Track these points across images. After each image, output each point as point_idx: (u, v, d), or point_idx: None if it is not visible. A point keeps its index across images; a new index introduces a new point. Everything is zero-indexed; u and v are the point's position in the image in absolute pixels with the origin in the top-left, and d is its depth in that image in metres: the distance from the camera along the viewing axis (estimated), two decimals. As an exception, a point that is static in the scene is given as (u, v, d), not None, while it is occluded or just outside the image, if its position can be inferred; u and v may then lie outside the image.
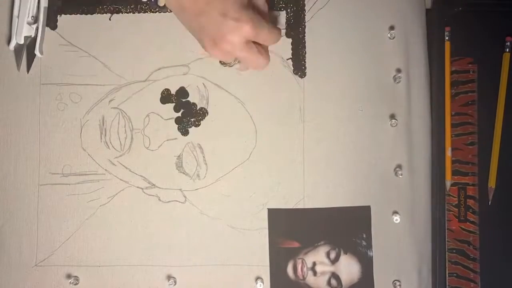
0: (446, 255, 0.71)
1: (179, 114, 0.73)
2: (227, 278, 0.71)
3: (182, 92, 0.73)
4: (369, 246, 0.71)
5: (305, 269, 0.71)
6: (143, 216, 0.72)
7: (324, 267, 0.71)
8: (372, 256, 0.71)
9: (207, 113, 0.73)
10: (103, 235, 0.72)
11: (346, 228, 0.71)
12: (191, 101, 0.73)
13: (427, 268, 0.71)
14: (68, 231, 0.72)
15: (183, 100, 0.73)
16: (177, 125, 0.73)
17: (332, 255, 0.71)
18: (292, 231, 0.72)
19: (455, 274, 0.71)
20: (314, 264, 0.71)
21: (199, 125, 0.73)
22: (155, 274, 0.71)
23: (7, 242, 0.72)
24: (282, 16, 0.74)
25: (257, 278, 0.71)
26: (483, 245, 0.71)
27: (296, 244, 0.71)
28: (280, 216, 0.72)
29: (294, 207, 0.72)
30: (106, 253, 0.72)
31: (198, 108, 0.73)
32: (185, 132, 0.73)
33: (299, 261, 0.71)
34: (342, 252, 0.71)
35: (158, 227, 0.72)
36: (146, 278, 0.71)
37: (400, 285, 0.70)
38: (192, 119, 0.73)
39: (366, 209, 0.72)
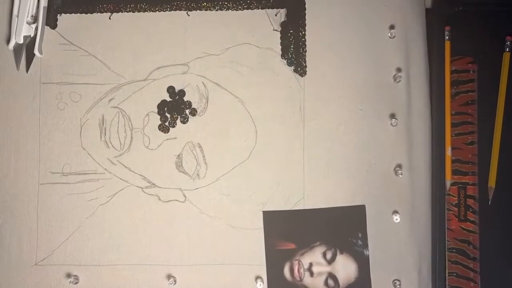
0: (446, 255, 0.71)
1: (155, 110, 0.73)
2: (227, 278, 0.71)
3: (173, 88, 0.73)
4: (365, 245, 0.71)
5: (302, 270, 0.71)
6: (143, 215, 0.72)
7: (321, 268, 0.71)
8: (368, 255, 0.71)
9: (194, 109, 0.73)
10: (103, 234, 0.72)
11: (341, 228, 0.71)
12: (186, 100, 0.73)
13: (427, 267, 0.71)
14: (68, 230, 0.72)
15: (176, 97, 0.73)
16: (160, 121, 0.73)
17: (328, 255, 0.71)
18: (287, 232, 0.72)
19: (455, 274, 0.71)
20: (311, 265, 0.71)
21: (185, 122, 0.73)
22: (155, 273, 0.72)
23: (7, 241, 0.72)
24: (283, 14, 0.74)
25: (257, 277, 0.71)
26: (483, 245, 0.71)
27: (292, 246, 0.71)
28: (275, 218, 0.72)
29: (294, 207, 0.72)
30: (106, 252, 0.72)
31: (185, 104, 0.73)
32: (165, 130, 0.72)
33: (295, 263, 0.71)
34: (338, 252, 0.71)
35: (158, 227, 0.72)
36: (146, 277, 0.72)
37: (400, 285, 0.70)
38: (180, 116, 0.73)
39: (361, 208, 0.71)
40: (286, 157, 0.72)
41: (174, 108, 0.73)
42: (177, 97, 0.73)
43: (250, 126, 0.73)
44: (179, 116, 0.73)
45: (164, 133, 0.73)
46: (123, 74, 0.73)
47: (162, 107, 0.73)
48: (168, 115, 0.73)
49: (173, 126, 0.73)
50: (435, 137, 0.72)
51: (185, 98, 0.73)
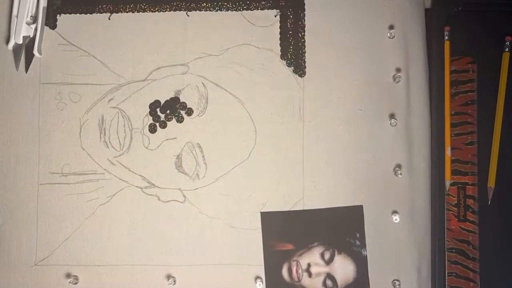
0: (446, 255, 0.71)
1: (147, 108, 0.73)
2: (227, 278, 0.71)
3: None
4: (363, 245, 0.71)
5: (300, 270, 0.71)
6: (143, 215, 0.72)
7: (319, 268, 0.71)
8: (366, 255, 0.71)
9: (190, 109, 0.73)
10: (102, 234, 0.72)
11: (339, 228, 0.71)
12: (181, 100, 0.73)
13: (427, 267, 0.71)
14: (67, 230, 0.72)
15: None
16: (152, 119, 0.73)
17: (327, 255, 0.71)
18: (285, 233, 0.72)
19: (454, 274, 0.71)
20: (309, 265, 0.71)
21: (181, 121, 0.73)
22: (154, 273, 0.72)
23: (7, 241, 0.72)
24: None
25: (257, 277, 0.71)
26: (483, 245, 0.71)
27: (290, 246, 0.71)
28: (273, 219, 0.72)
29: (293, 207, 0.72)
30: (106, 253, 0.72)
31: (180, 104, 0.73)
32: (153, 130, 0.73)
33: (293, 263, 0.71)
34: (336, 253, 0.71)
35: (158, 227, 0.72)
36: (146, 277, 0.72)
37: (399, 285, 0.70)
38: (173, 116, 0.73)
39: (359, 209, 0.71)
40: (286, 157, 0.72)
41: (167, 108, 0.73)
42: (172, 97, 0.73)
43: (250, 127, 0.73)
44: (173, 117, 0.73)
45: (152, 133, 0.73)
46: (123, 74, 0.73)
47: (154, 107, 0.73)
48: (162, 115, 0.73)
49: (163, 127, 0.73)
50: (434, 137, 0.72)
51: (182, 99, 0.73)
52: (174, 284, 0.71)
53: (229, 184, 0.72)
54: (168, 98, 0.73)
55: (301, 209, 0.72)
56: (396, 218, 0.71)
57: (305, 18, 0.74)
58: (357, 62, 0.73)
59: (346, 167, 0.72)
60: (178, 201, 0.72)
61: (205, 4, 0.74)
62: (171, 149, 0.73)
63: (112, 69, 0.73)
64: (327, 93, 0.73)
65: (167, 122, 0.73)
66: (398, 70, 0.73)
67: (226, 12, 0.74)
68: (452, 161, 0.72)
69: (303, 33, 0.73)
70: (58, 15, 0.74)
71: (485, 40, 0.73)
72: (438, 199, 0.71)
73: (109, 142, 0.73)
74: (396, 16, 0.73)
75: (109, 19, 0.74)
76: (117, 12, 0.74)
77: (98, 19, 0.74)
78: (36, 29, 0.73)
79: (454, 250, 0.71)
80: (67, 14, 0.74)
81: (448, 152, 0.72)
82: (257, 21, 0.74)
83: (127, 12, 0.74)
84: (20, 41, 0.73)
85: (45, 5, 0.73)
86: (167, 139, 0.73)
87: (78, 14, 0.74)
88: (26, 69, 0.73)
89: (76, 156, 0.73)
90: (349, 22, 0.73)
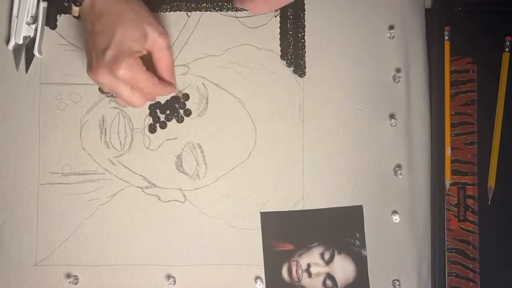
0: (446, 255, 0.71)
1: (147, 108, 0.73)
2: (227, 278, 0.71)
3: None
4: (363, 245, 0.71)
5: (299, 271, 0.71)
6: (143, 215, 0.72)
7: (319, 268, 0.71)
8: (366, 255, 0.71)
9: (188, 109, 0.73)
10: (102, 234, 0.72)
11: (339, 228, 0.71)
12: (181, 101, 0.73)
13: (427, 267, 0.72)
14: (67, 230, 0.72)
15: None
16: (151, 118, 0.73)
17: (326, 255, 0.71)
18: (285, 233, 0.72)
19: (454, 274, 0.71)
20: (309, 265, 0.71)
21: (181, 121, 0.73)
22: (154, 273, 0.72)
23: (7, 241, 0.72)
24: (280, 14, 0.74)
25: (257, 277, 0.71)
26: (483, 245, 0.71)
27: (289, 247, 0.71)
28: (273, 219, 0.72)
29: (293, 207, 0.72)
30: (106, 253, 0.72)
31: (179, 103, 0.73)
32: (153, 130, 0.73)
33: (293, 263, 0.71)
34: (336, 253, 0.71)
35: (158, 227, 0.72)
36: (146, 277, 0.72)
37: (399, 285, 0.70)
38: (173, 117, 0.73)
39: (358, 209, 0.71)
40: (286, 157, 0.73)
41: (167, 108, 0.73)
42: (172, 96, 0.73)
43: (250, 127, 0.73)
44: (173, 117, 0.73)
45: (152, 133, 0.73)
46: (123, 74, 0.73)
47: (153, 107, 0.73)
48: (162, 115, 0.73)
49: (163, 127, 0.73)
50: (434, 137, 0.72)
51: (181, 99, 0.73)
52: (174, 284, 0.71)
53: (229, 184, 0.72)
54: (169, 98, 0.73)
55: (301, 209, 0.72)
56: (396, 218, 0.71)
57: (305, 18, 0.74)
58: (357, 62, 0.73)
59: (346, 167, 0.72)
60: (179, 201, 0.72)
61: (205, 4, 0.74)
62: (171, 149, 0.73)
63: (112, 69, 0.73)
64: (327, 93, 0.73)
65: (167, 122, 0.73)
66: (398, 70, 0.73)
67: (226, 12, 0.74)
68: (452, 161, 0.72)
69: (303, 33, 0.73)
70: (58, 15, 0.74)
71: (485, 40, 0.73)
72: (438, 199, 0.71)
73: (110, 142, 0.73)
74: (396, 16, 0.73)
75: (109, 19, 0.74)
76: (117, 12, 0.74)
77: (98, 19, 0.74)
78: (36, 29, 0.73)
79: (454, 250, 0.71)
80: (67, 14, 0.74)
81: (448, 152, 0.72)
82: (257, 21, 0.74)
83: (127, 12, 0.74)
84: (20, 41, 0.73)
85: (45, 5, 0.73)
86: (167, 139, 0.73)
87: (78, 14, 0.74)
88: (27, 70, 0.73)
89: (76, 156, 0.73)
90: (349, 22, 0.73)
